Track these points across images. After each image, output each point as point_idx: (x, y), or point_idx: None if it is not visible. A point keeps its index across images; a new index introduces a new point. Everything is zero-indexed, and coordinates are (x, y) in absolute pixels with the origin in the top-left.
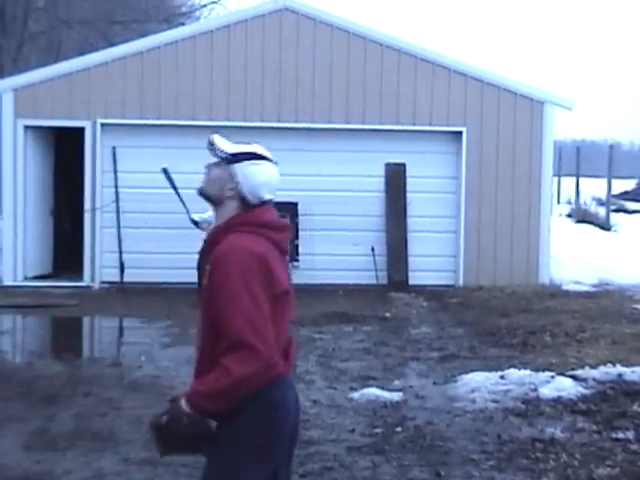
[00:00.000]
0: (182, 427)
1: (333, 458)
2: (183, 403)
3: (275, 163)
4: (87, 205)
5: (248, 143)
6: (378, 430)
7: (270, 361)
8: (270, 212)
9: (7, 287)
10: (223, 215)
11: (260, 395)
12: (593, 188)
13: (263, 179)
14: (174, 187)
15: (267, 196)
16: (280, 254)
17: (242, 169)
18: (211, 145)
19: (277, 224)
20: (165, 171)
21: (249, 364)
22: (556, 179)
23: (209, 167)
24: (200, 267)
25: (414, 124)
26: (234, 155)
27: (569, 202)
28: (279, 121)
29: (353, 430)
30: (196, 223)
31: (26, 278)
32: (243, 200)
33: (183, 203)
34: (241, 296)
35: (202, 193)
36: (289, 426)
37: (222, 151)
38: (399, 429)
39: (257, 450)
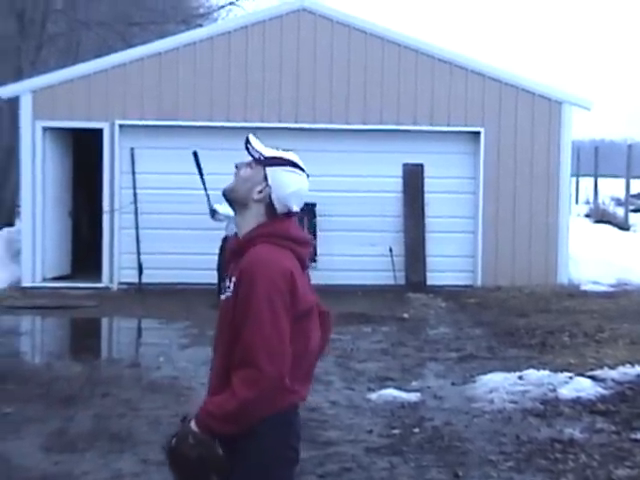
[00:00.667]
0: (189, 447)
1: (351, 459)
2: (193, 423)
3: (308, 175)
4: (105, 206)
5: (286, 150)
6: (396, 431)
7: (278, 384)
8: (295, 225)
9: (26, 288)
10: (246, 220)
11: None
12: (611, 188)
13: (295, 188)
14: (200, 172)
15: (295, 207)
16: (302, 269)
17: (276, 174)
18: (247, 144)
19: (302, 238)
20: (195, 154)
21: (255, 386)
22: (574, 179)
23: (239, 166)
24: (220, 269)
25: (432, 124)
26: (270, 158)
27: (587, 202)
28: (296, 122)
29: (371, 431)
30: (214, 212)
31: (45, 279)
32: (270, 206)
33: (206, 190)
34: (263, 313)
35: (229, 194)
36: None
37: (257, 152)
38: (417, 430)
39: (287, 460)
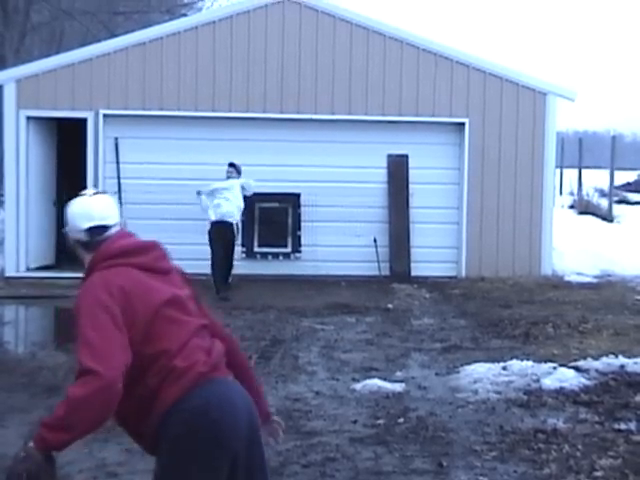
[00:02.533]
0: (18, 462)
1: (335, 449)
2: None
3: (95, 194)
4: None
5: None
6: (380, 421)
7: (107, 383)
8: (123, 238)
9: (10, 278)
10: (85, 264)
11: (176, 413)
12: (595, 179)
13: (71, 215)
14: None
15: (87, 224)
16: (155, 274)
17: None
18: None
19: (132, 249)
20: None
21: (84, 385)
22: (558, 170)
23: None
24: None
25: (417, 115)
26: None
27: (572, 193)
28: (281, 112)
29: (355, 421)
30: (198, 192)
31: (29, 269)
32: (79, 243)
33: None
34: (84, 325)
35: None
36: (229, 425)
37: None
38: (401, 420)
39: (196, 466)
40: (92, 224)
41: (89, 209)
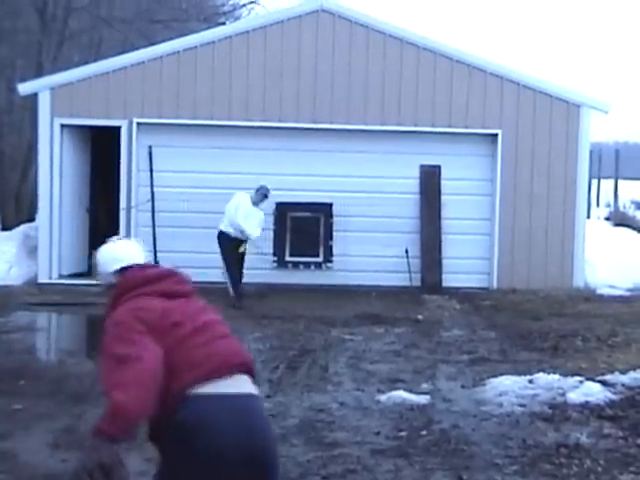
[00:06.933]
0: (90, 456)
1: (356, 460)
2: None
3: (119, 240)
4: (123, 204)
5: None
6: (403, 433)
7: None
8: (138, 271)
9: (42, 285)
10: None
11: (172, 423)
12: (633, 191)
13: (104, 258)
14: None
15: (115, 266)
16: (175, 299)
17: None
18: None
19: (144, 280)
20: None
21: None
22: (596, 181)
23: None
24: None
25: (449, 126)
26: None
27: (608, 205)
28: (314, 122)
29: (378, 433)
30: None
31: (61, 276)
32: (111, 285)
33: None
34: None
35: None
36: (220, 446)
37: None
38: (424, 432)
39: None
40: (120, 265)
41: (115, 253)
